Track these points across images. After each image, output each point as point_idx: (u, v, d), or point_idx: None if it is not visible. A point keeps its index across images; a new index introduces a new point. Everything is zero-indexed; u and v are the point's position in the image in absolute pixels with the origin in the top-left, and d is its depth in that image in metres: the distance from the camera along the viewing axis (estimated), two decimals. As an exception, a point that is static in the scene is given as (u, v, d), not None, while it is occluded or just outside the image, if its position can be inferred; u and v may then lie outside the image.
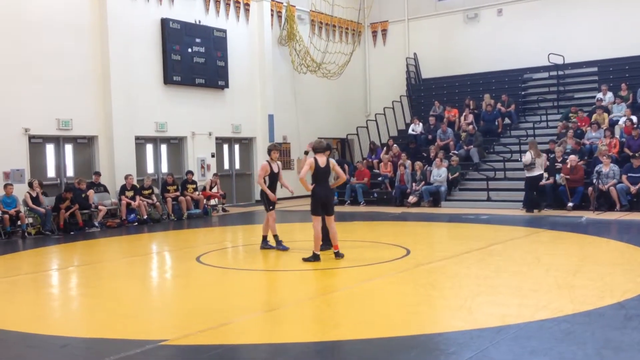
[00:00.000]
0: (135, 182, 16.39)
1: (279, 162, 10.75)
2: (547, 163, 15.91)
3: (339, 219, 11.80)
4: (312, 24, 23.15)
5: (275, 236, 10.48)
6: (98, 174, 16.09)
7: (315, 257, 9.32)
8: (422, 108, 23.02)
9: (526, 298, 6.71)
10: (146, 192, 16.38)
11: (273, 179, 10.43)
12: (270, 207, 10.38)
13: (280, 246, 10.38)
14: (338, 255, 9.39)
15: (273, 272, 9.27)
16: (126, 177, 16.02)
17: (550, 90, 21.20)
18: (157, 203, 16.50)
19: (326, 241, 10.13)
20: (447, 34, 23.79)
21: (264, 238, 10.66)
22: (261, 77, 21.02)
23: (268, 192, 10.28)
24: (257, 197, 21.19)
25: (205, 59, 19.07)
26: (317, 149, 9.42)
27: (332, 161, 9.55)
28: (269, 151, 10.54)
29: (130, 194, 15.85)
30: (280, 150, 11.31)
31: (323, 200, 9.39)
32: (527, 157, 15.13)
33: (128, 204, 15.65)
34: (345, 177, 10.62)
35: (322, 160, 9.35)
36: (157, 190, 17.20)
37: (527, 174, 15.18)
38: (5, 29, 14.75)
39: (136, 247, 12.53)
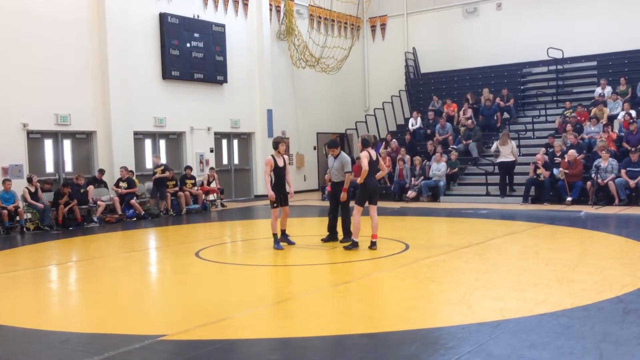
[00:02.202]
0: (135, 178, 16.38)
1: (286, 157, 10.37)
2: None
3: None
4: (311, 18, 23.12)
5: (275, 235, 10.21)
6: (102, 171, 16.07)
7: (354, 245, 9.72)
8: (421, 103, 23.01)
9: (525, 292, 6.72)
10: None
11: (278, 173, 10.07)
12: (275, 205, 10.04)
13: (276, 244, 10.14)
14: (373, 245, 9.67)
15: (272, 267, 9.27)
16: (120, 169, 16.02)
17: (550, 84, 21.18)
18: (152, 199, 16.57)
19: (332, 235, 10.48)
20: (446, 28, 23.77)
21: (283, 233, 10.33)
22: (260, 72, 20.99)
23: (269, 190, 10.00)
24: (257, 192, 21.23)
25: (203, 54, 19.04)
26: (372, 143, 9.90)
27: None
28: (276, 144, 10.16)
29: (124, 184, 15.86)
30: (287, 144, 11.00)
31: (372, 191, 9.78)
32: (493, 146, 17.41)
33: (122, 199, 15.69)
34: (387, 169, 10.83)
35: (373, 154, 9.78)
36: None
37: (495, 161, 17.08)
38: (3, 24, 14.71)
39: (135, 243, 12.52)
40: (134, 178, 16.36)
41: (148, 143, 18.38)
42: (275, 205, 10.05)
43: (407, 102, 23.64)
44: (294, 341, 5.41)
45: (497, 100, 20.55)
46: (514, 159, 16.77)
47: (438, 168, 17.83)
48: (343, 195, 10.21)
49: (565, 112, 18.80)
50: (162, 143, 18.74)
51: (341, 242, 10.41)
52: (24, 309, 6.98)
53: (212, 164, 19.53)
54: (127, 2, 17.08)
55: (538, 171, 16.00)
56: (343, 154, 10.45)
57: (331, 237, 10.57)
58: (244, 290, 7.56)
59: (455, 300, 6.50)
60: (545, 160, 16.15)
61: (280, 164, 10.09)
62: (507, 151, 16.66)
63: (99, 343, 5.50)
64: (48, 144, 16.01)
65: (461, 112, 20.59)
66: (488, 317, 5.76)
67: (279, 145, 10.15)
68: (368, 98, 25.49)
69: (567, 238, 10.85)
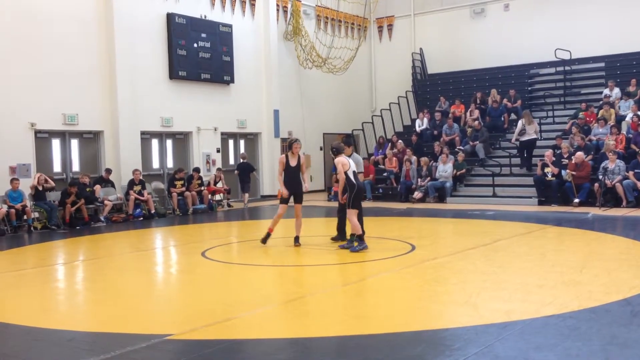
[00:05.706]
0: (141, 177, 16.42)
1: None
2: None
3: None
4: (318, 19, 23.12)
5: (353, 235, 9.78)
6: (109, 171, 16.10)
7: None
8: (428, 103, 22.98)
9: (531, 294, 6.70)
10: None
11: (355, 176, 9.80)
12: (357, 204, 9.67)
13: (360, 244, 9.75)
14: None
15: (278, 267, 9.27)
16: (134, 172, 16.06)
17: (557, 85, 21.12)
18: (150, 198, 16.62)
19: (341, 234, 10.55)
20: (453, 29, 23.73)
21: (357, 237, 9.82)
22: (267, 72, 21.01)
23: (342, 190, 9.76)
24: (263, 192, 21.23)
25: (210, 54, 19.07)
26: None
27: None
28: (342, 148, 9.83)
29: (138, 188, 15.90)
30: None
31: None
32: (519, 126, 17.84)
33: (135, 199, 15.71)
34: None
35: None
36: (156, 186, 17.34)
37: (520, 139, 17.70)
38: (11, 24, 14.77)
39: (141, 242, 12.55)
40: (141, 177, 16.40)
41: (155, 143, 18.42)
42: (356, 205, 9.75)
43: (414, 103, 23.61)
44: (300, 341, 5.41)
45: (505, 101, 20.50)
46: (536, 137, 17.65)
47: (444, 169, 17.80)
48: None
49: (580, 113, 18.70)
50: (169, 143, 18.78)
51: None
52: (30, 307, 7.00)
53: (219, 164, 19.55)
54: (135, 2, 17.13)
55: (546, 169, 15.94)
56: (355, 154, 10.53)
57: (341, 236, 10.58)
58: (250, 290, 7.56)
59: (462, 302, 6.49)
60: (553, 159, 16.10)
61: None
62: (532, 130, 17.44)
63: (105, 342, 5.51)
64: (55, 143, 16.07)
65: (468, 113, 20.55)
66: (494, 319, 5.74)
67: (349, 147, 10.11)
68: (375, 98, 25.47)
69: (574, 240, 10.80)
